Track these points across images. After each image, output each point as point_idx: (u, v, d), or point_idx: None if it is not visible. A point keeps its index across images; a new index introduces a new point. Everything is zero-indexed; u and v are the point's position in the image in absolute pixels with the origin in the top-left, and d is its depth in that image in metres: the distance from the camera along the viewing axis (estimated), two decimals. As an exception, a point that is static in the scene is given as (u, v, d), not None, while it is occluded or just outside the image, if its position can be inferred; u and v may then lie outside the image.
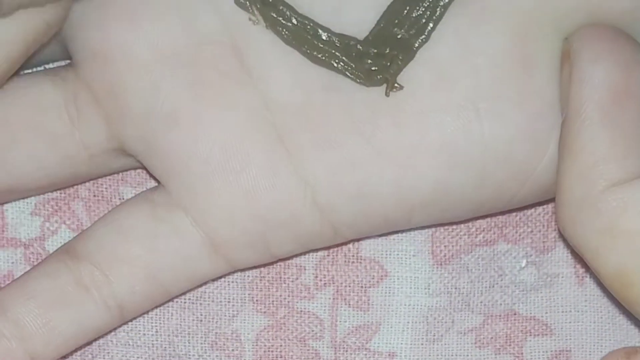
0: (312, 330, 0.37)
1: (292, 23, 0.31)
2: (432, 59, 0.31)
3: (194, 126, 0.31)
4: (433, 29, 0.31)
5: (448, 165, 0.31)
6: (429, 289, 0.37)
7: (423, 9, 0.31)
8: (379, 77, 0.31)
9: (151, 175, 0.34)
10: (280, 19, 0.31)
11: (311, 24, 0.31)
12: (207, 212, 0.32)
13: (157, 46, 0.31)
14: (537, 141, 0.31)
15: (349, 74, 0.31)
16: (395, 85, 0.31)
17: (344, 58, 0.31)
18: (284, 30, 0.31)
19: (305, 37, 0.31)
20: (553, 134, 0.31)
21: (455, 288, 0.37)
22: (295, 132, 0.31)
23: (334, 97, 0.31)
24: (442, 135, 0.31)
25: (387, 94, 0.31)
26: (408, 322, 0.37)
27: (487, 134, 0.31)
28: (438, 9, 0.31)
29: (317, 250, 0.36)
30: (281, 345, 0.37)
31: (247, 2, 0.31)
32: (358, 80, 0.31)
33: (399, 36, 0.31)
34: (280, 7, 0.31)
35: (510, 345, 0.37)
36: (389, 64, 0.31)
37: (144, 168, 0.34)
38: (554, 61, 0.31)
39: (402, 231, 0.36)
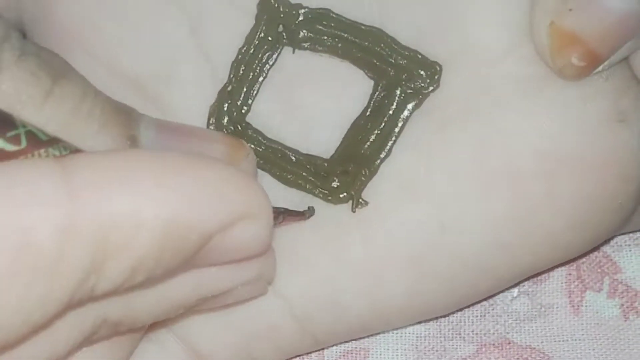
0: (299, 356, 0.36)
1: (262, 148, 0.32)
2: (395, 173, 0.32)
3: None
4: (394, 143, 0.32)
5: (418, 276, 0.32)
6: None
7: (384, 124, 0.32)
8: (343, 194, 0.32)
9: None
10: (251, 144, 0.32)
11: (280, 147, 0.32)
12: (188, 328, 0.33)
13: None
14: (504, 246, 0.31)
15: (316, 193, 0.32)
16: (361, 201, 0.32)
17: (311, 178, 0.32)
18: (254, 155, 0.32)
19: (275, 160, 0.32)
20: (523, 237, 0.31)
21: (444, 317, 0.37)
22: None
23: None
24: (408, 249, 0.31)
25: (353, 211, 0.32)
26: (397, 349, 0.37)
27: (453, 245, 0.31)
28: (399, 122, 0.32)
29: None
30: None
31: (219, 130, 0.32)
32: (325, 199, 0.32)
33: (362, 152, 0.32)
34: (250, 133, 0.32)
35: (506, 373, 0.37)
36: (353, 180, 0.32)
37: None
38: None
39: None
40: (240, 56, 0.32)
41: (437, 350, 0.37)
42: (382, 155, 0.32)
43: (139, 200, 0.22)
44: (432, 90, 0.31)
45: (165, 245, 0.23)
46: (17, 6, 0.33)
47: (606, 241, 0.38)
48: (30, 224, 0.21)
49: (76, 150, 0.25)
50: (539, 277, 0.37)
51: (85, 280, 0.22)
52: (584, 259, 0.37)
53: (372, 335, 0.37)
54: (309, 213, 0.32)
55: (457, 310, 0.37)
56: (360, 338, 0.37)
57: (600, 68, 0.30)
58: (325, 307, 0.32)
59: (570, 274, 0.37)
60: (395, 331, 0.37)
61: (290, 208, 0.32)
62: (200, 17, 0.32)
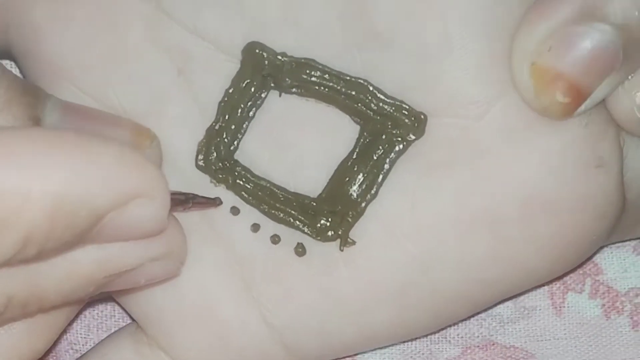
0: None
1: (250, 185, 0.33)
2: (381, 215, 0.32)
3: (166, 281, 0.33)
4: (380, 185, 0.32)
5: (401, 310, 0.33)
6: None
7: (370, 166, 0.32)
8: (331, 233, 0.33)
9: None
10: (239, 181, 0.33)
11: (268, 185, 0.33)
12: (184, 355, 0.34)
13: None
14: (484, 281, 0.33)
15: (305, 231, 0.33)
16: (348, 240, 0.33)
17: (299, 216, 0.33)
18: (243, 191, 0.33)
19: (263, 197, 0.33)
20: (503, 274, 0.33)
21: (431, 323, 0.38)
22: (261, 283, 0.33)
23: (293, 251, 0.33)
24: (393, 286, 0.32)
25: (340, 249, 0.33)
26: (384, 353, 0.38)
27: (434, 282, 0.32)
28: (385, 166, 0.32)
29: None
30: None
31: (207, 166, 0.33)
32: (314, 237, 0.33)
33: (349, 193, 0.32)
34: (239, 169, 0.33)
35: (491, 371, 0.38)
36: (340, 221, 0.32)
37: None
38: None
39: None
40: (227, 97, 0.33)
41: (423, 354, 0.38)
42: (368, 198, 0.32)
43: (27, 175, 0.23)
44: (417, 138, 0.32)
45: (55, 219, 0.23)
46: (4, 37, 0.34)
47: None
48: None
49: None
50: (521, 281, 0.38)
51: None
52: (566, 262, 0.38)
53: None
54: (219, 200, 0.33)
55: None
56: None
57: (583, 107, 0.30)
58: (313, 336, 0.34)
59: (552, 277, 0.38)
60: (382, 336, 0.38)
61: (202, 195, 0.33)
62: (186, 59, 0.33)
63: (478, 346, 0.38)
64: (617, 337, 0.38)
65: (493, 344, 0.38)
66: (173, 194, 0.29)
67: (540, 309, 0.38)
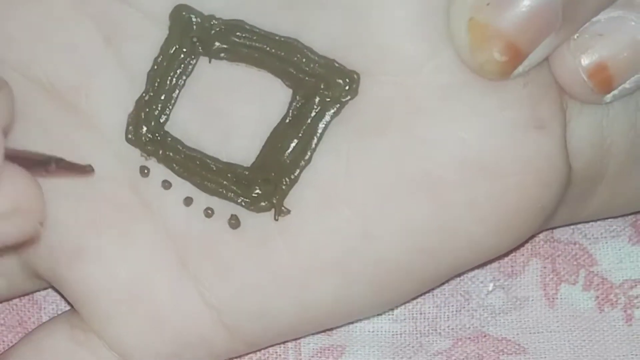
0: (276, 352, 0.38)
1: (182, 156, 0.32)
2: (316, 181, 0.32)
3: (98, 261, 0.33)
4: (314, 149, 0.31)
5: (343, 282, 0.32)
6: (392, 314, 0.38)
7: (303, 132, 0.32)
8: (265, 203, 0.32)
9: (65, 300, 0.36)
10: (170, 153, 0.32)
11: (199, 156, 0.32)
12: (119, 338, 0.33)
13: (57, 183, 0.32)
14: (426, 251, 0.32)
15: (238, 201, 0.32)
16: (283, 209, 0.32)
17: (232, 187, 0.32)
18: (174, 164, 0.32)
19: (195, 169, 0.32)
20: (446, 243, 0.31)
21: (421, 313, 0.38)
22: (197, 259, 0.32)
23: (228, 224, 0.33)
24: (332, 256, 0.32)
25: (275, 219, 0.32)
26: (373, 346, 0.38)
27: (375, 251, 0.31)
28: (317, 131, 0.31)
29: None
30: (246, 368, 0.37)
31: (137, 139, 0.32)
32: (247, 208, 0.32)
33: (283, 160, 0.32)
34: (169, 141, 0.32)
35: (482, 364, 0.38)
36: (274, 189, 0.32)
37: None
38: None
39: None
40: (156, 66, 0.32)
41: (413, 347, 0.37)
42: (302, 164, 0.32)
43: None
44: (350, 99, 0.31)
45: None
46: None
47: (583, 233, 0.38)
48: None
49: None
50: (513, 271, 0.38)
51: None
52: (559, 252, 0.38)
53: (347, 331, 0.38)
54: (89, 167, 0.32)
55: (411, 305, 0.38)
56: (336, 333, 0.38)
57: (520, 68, 0.30)
58: (253, 316, 0.33)
59: (545, 267, 0.38)
60: (371, 329, 0.38)
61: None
62: (114, 27, 0.32)
63: (469, 338, 0.37)
64: (611, 332, 0.37)
65: (485, 336, 0.37)
66: (33, 154, 0.28)
67: (532, 300, 0.38)
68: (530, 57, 0.29)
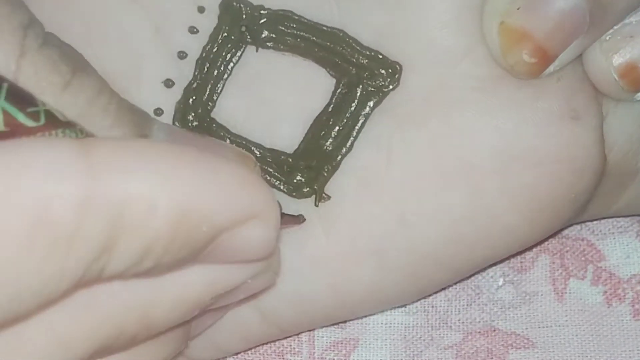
0: (290, 345, 0.38)
1: (227, 141, 0.33)
2: (357, 168, 0.33)
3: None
4: (355, 138, 0.33)
5: (379, 269, 0.33)
6: (405, 307, 0.39)
7: (345, 120, 0.33)
8: (306, 189, 0.33)
9: None
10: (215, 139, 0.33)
11: (244, 142, 0.33)
12: None
13: None
14: (461, 240, 0.33)
15: (281, 187, 0.33)
16: (323, 195, 0.33)
17: (275, 173, 0.33)
18: None
19: None
20: (480, 231, 0.33)
21: (432, 306, 0.39)
22: None
23: None
24: (369, 243, 0.33)
25: (316, 205, 0.33)
26: (386, 339, 0.39)
27: (412, 239, 0.33)
28: (360, 119, 0.33)
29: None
30: (259, 359, 0.38)
31: (184, 126, 0.33)
32: (290, 194, 0.33)
33: (325, 148, 0.33)
34: (215, 128, 0.33)
35: (492, 358, 0.38)
36: (316, 175, 0.33)
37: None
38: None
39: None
40: (204, 54, 0.33)
41: (424, 340, 0.38)
42: (343, 151, 0.33)
43: (155, 184, 0.23)
44: (392, 89, 0.33)
45: (177, 231, 0.23)
46: None
47: (590, 230, 0.39)
48: (48, 198, 0.21)
49: (92, 136, 0.26)
50: (523, 266, 0.39)
51: (98, 259, 0.22)
52: (567, 248, 0.39)
53: (361, 323, 0.39)
54: (302, 218, 0.33)
55: (424, 298, 0.38)
56: (349, 326, 0.38)
57: (551, 68, 0.31)
58: (290, 301, 0.34)
59: (554, 263, 0.39)
60: (384, 321, 0.39)
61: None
62: (163, 16, 0.33)
63: (479, 332, 0.38)
64: (618, 327, 0.38)
65: (494, 330, 0.38)
66: None
67: (542, 295, 0.39)
68: (559, 58, 0.31)
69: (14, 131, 0.24)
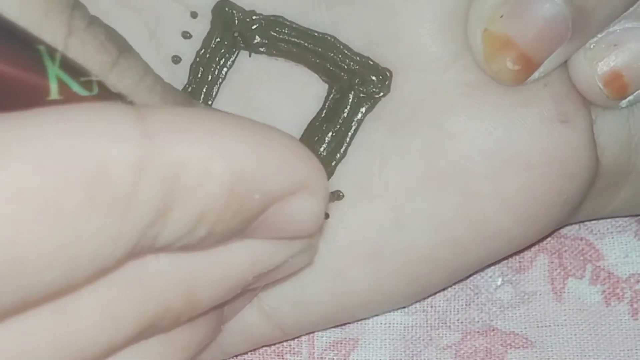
0: (290, 345, 0.39)
1: None
2: (351, 174, 0.33)
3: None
4: (349, 143, 0.33)
5: (376, 272, 0.33)
6: (404, 307, 0.39)
7: (339, 125, 0.33)
8: None
9: None
10: None
11: None
12: None
13: None
14: (457, 242, 0.33)
15: None
16: None
17: None
18: None
19: None
20: (474, 234, 0.33)
21: (431, 306, 0.39)
22: None
23: None
24: (366, 247, 0.33)
25: None
26: (385, 339, 0.39)
27: (408, 242, 0.33)
28: (353, 125, 0.33)
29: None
30: (258, 359, 0.38)
31: None
32: None
33: (318, 153, 0.33)
34: None
35: (491, 358, 0.39)
36: None
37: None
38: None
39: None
40: (198, 59, 0.34)
41: (423, 340, 0.39)
42: (337, 157, 0.33)
43: (210, 149, 0.22)
44: (383, 95, 0.33)
45: (230, 198, 0.23)
46: None
47: (589, 229, 0.39)
48: (106, 158, 0.21)
49: None
50: (521, 266, 0.39)
51: (153, 225, 0.22)
52: (566, 247, 0.39)
53: (360, 323, 0.39)
54: (341, 194, 0.33)
55: (421, 299, 0.38)
56: (349, 326, 0.39)
57: (536, 75, 0.32)
58: (291, 303, 0.34)
59: (552, 262, 0.39)
60: (383, 321, 0.39)
61: None
62: (157, 21, 0.34)
63: (478, 332, 0.38)
64: (617, 326, 0.39)
65: (493, 330, 0.38)
66: None
67: (540, 294, 0.39)
68: (544, 65, 0.32)
69: (68, 100, 0.24)
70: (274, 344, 0.38)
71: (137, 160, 0.21)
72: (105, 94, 0.25)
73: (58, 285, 0.22)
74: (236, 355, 0.37)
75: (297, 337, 0.38)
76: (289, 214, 0.25)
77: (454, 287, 0.39)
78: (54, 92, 0.23)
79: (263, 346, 0.37)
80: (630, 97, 0.33)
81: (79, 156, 0.21)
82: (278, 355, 0.38)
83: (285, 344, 0.38)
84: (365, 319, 0.38)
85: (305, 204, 0.25)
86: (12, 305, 0.21)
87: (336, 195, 0.33)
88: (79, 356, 0.23)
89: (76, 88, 0.24)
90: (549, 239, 0.39)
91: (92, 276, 0.22)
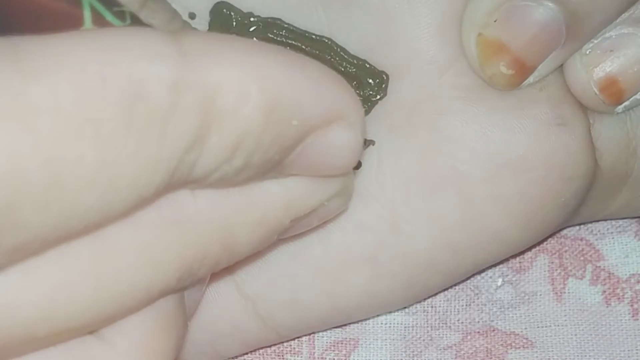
0: (290, 345, 0.39)
1: None
2: None
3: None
4: None
5: (374, 275, 0.33)
6: (405, 308, 0.39)
7: None
8: None
9: None
10: None
11: None
12: None
13: None
14: (454, 246, 0.33)
15: None
16: None
17: None
18: None
19: None
20: (471, 238, 0.33)
21: (432, 307, 0.39)
22: None
23: None
24: (363, 250, 0.33)
25: None
26: (386, 339, 0.39)
27: (405, 246, 0.33)
28: None
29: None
30: (258, 359, 0.38)
31: None
32: None
33: None
34: None
35: (491, 358, 0.39)
36: None
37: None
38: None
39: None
40: None
41: (424, 340, 0.39)
42: None
43: (247, 71, 0.22)
44: (380, 98, 0.33)
45: (268, 123, 0.22)
46: None
47: (589, 229, 0.39)
48: (143, 76, 0.21)
49: None
50: (522, 266, 0.39)
51: (190, 151, 0.22)
52: (566, 247, 0.39)
53: (361, 324, 0.39)
54: (373, 142, 0.33)
55: (423, 299, 0.38)
56: (350, 327, 0.39)
57: (531, 79, 0.32)
58: (286, 306, 0.34)
59: (552, 262, 0.39)
60: (384, 321, 0.39)
61: None
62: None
63: (478, 332, 0.38)
64: (617, 326, 0.39)
65: (493, 330, 0.38)
66: None
67: (540, 294, 0.39)
68: (538, 69, 0.32)
69: None
70: (274, 345, 0.38)
71: (174, 80, 0.21)
72: (138, 24, 0.25)
73: (98, 211, 0.21)
74: (235, 356, 0.37)
75: (298, 337, 0.39)
76: (326, 145, 0.24)
77: (454, 287, 0.39)
78: (87, 21, 0.23)
79: (260, 348, 0.37)
80: (627, 103, 0.33)
81: (116, 73, 0.20)
82: (278, 355, 0.38)
83: (285, 343, 0.38)
84: (365, 319, 0.39)
85: (343, 135, 0.24)
86: (54, 229, 0.21)
87: (368, 143, 0.33)
88: (117, 302, 0.23)
89: (109, 17, 0.24)
90: (549, 239, 0.39)
91: (131, 205, 0.22)
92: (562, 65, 0.32)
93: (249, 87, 0.22)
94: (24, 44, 0.20)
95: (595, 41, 0.32)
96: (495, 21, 0.31)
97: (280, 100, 0.22)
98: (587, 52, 0.32)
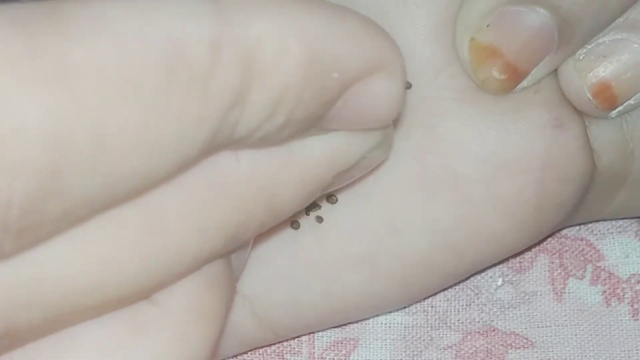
0: (290, 345, 0.39)
1: None
2: None
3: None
4: None
5: (371, 276, 0.34)
6: (404, 307, 0.39)
7: None
8: None
9: None
10: None
11: None
12: None
13: None
14: (451, 247, 0.33)
15: None
16: (314, 204, 0.33)
17: None
18: None
19: None
20: (467, 239, 0.33)
21: (432, 307, 0.39)
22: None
23: None
24: (361, 250, 0.33)
25: (307, 214, 0.33)
26: (386, 339, 0.39)
27: (402, 246, 0.33)
28: None
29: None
30: (258, 359, 0.38)
31: None
32: None
33: None
34: None
35: (491, 358, 0.39)
36: None
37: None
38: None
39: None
40: None
41: (424, 340, 0.39)
42: None
43: (285, 25, 0.22)
44: None
45: (308, 76, 0.22)
46: None
47: (589, 229, 0.39)
48: (182, 36, 0.20)
49: None
50: (522, 266, 0.39)
51: (232, 109, 0.22)
52: (566, 247, 0.39)
53: (361, 323, 0.39)
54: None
55: (421, 299, 0.39)
56: (349, 326, 0.39)
57: (524, 83, 0.32)
58: (284, 306, 0.34)
59: (553, 262, 0.39)
60: (384, 321, 0.39)
61: None
62: None
63: (478, 332, 0.38)
64: (617, 327, 0.39)
65: (494, 330, 0.38)
66: None
67: (540, 294, 0.39)
68: (531, 74, 0.32)
69: None
70: (274, 344, 0.38)
71: (213, 38, 0.21)
72: None
73: (143, 173, 0.21)
74: (235, 356, 0.37)
75: (297, 337, 0.39)
76: (368, 96, 0.24)
77: (454, 287, 0.39)
78: None
79: (259, 348, 0.37)
80: (620, 108, 0.33)
81: (156, 33, 0.20)
82: (278, 355, 0.38)
83: (285, 343, 0.39)
84: (365, 319, 0.39)
85: (384, 85, 0.24)
86: (100, 194, 0.21)
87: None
88: (166, 269, 0.23)
89: None
90: (549, 239, 0.39)
91: (175, 167, 0.22)
92: (556, 69, 0.33)
93: (288, 41, 0.22)
94: (63, 6, 0.20)
95: (589, 46, 0.32)
96: (487, 26, 0.31)
97: (320, 52, 0.22)
98: (581, 58, 0.32)
